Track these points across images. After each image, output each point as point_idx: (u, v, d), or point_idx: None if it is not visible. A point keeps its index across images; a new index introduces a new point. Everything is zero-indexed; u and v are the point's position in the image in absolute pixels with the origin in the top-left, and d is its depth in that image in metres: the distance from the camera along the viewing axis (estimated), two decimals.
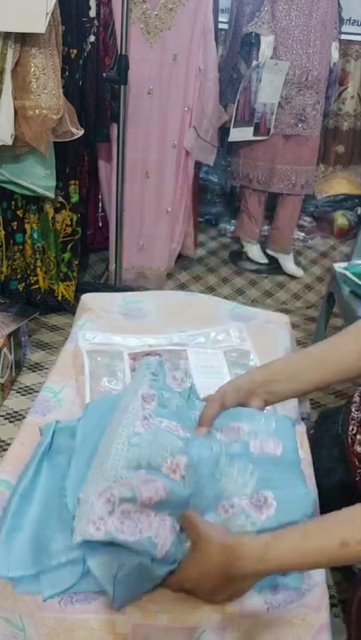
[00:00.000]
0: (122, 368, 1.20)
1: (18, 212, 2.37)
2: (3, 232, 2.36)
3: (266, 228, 3.41)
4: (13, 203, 2.35)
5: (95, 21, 2.27)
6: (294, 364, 1.00)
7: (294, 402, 1.18)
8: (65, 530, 0.81)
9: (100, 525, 0.77)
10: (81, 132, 2.11)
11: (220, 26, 2.94)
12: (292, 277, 3.22)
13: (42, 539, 0.81)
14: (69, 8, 2.10)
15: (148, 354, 1.23)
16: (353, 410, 1.28)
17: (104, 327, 1.37)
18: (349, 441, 1.24)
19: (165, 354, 1.23)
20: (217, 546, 0.75)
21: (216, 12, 2.68)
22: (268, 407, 1.13)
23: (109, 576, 0.76)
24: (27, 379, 2.24)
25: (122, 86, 2.38)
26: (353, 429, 1.24)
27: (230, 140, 2.93)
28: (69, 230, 2.49)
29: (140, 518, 0.78)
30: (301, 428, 1.12)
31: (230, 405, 0.96)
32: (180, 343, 1.27)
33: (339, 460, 1.25)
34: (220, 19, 2.87)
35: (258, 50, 2.72)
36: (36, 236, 2.44)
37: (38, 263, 2.50)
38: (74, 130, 2.08)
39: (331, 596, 1.48)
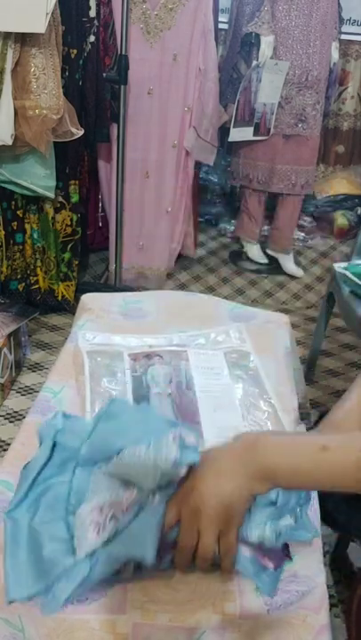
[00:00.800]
0: (122, 369, 1.20)
1: (18, 212, 2.37)
2: (3, 232, 2.36)
3: (266, 227, 3.41)
4: (13, 203, 2.35)
5: (95, 21, 2.27)
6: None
7: (294, 403, 1.19)
8: (66, 551, 0.80)
9: (99, 533, 0.77)
10: (81, 132, 2.11)
11: (220, 26, 2.94)
12: (292, 277, 3.22)
13: (44, 560, 0.80)
14: (69, 8, 2.10)
15: (148, 354, 1.23)
16: None
17: (104, 327, 1.37)
18: None
19: (166, 355, 1.23)
20: (206, 453, 0.75)
21: (216, 12, 2.68)
22: (268, 409, 1.13)
23: (121, 546, 0.76)
24: (27, 379, 2.24)
25: (122, 86, 2.38)
26: None
27: (230, 139, 2.93)
28: (69, 230, 2.49)
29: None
30: (301, 428, 1.12)
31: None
32: (181, 344, 1.27)
33: None
34: (220, 19, 2.87)
35: (258, 50, 2.72)
36: (36, 235, 2.44)
37: (38, 263, 2.50)
38: (74, 130, 2.08)
39: (331, 596, 1.48)
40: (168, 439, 0.73)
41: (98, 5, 2.27)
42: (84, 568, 0.77)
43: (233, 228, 3.52)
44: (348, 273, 1.93)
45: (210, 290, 3.02)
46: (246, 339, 1.30)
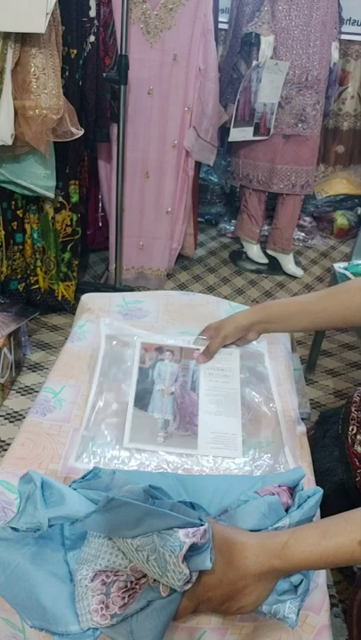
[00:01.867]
0: (131, 355, 1.22)
1: (18, 212, 2.37)
2: (3, 232, 2.36)
3: (266, 227, 3.41)
4: (13, 203, 2.34)
5: (95, 21, 2.26)
6: (290, 310, 1.16)
7: (294, 403, 1.19)
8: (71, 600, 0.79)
9: (104, 612, 0.75)
10: (81, 132, 2.11)
11: (220, 26, 2.94)
12: (292, 277, 3.22)
13: (51, 601, 0.78)
14: (69, 8, 2.10)
15: (160, 347, 1.24)
16: (353, 410, 1.28)
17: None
18: (349, 441, 1.24)
19: (177, 351, 1.23)
20: (235, 544, 0.74)
21: (216, 11, 2.67)
22: (273, 405, 1.14)
23: (126, 632, 0.74)
24: (27, 379, 2.24)
25: (122, 86, 2.38)
26: (353, 429, 1.24)
27: (230, 139, 2.93)
28: (69, 230, 2.49)
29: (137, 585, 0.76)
30: (301, 428, 1.12)
31: (230, 340, 1.20)
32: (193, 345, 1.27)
33: (339, 460, 1.25)
34: (220, 19, 2.87)
35: (258, 50, 2.72)
36: (36, 235, 2.44)
37: (38, 263, 2.50)
38: (74, 130, 2.08)
39: (331, 596, 1.48)
40: (177, 561, 0.70)
41: (98, 5, 2.27)
42: (90, 637, 0.76)
43: (233, 227, 3.52)
44: (348, 273, 1.93)
45: (210, 290, 3.02)
46: (263, 339, 1.30)
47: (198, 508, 0.81)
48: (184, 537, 0.71)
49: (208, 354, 1.20)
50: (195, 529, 0.73)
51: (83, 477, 0.88)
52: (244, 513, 0.81)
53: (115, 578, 0.77)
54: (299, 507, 0.82)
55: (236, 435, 1.07)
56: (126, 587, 0.76)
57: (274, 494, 0.83)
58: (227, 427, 1.09)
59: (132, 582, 0.76)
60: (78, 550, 0.83)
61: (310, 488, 0.87)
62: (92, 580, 0.77)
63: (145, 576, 0.76)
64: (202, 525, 0.74)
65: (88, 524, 0.78)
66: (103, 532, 0.79)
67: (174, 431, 1.07)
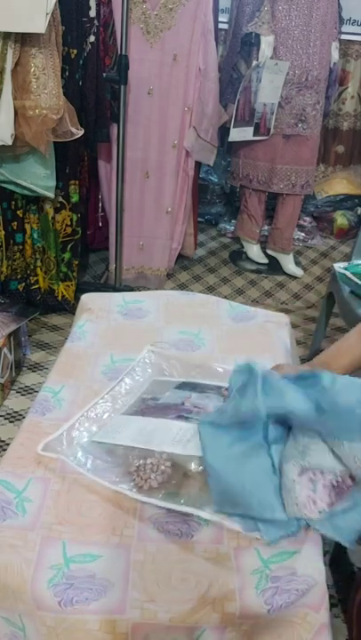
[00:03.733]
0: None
1: (18, 212, 2.37)
2: (3, 232, 2.36)
3: (266, 227, 3.40)
4: (13, 203, 2.35)
5: (95, 21, 2.26)
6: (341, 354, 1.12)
7: None
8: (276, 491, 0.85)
9: (312, 507, 0.81)
10: (81, 132, 2.11)
11: (220, 26, 2.94)
12: (292, 277, 3.22)
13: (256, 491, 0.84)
14: (69, 8, 2.10)
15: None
16: None
17: (104, 327, 1.37)
18: None
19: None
20: None
21: (216, 11, 2.67)
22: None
23: (331, 526, 0.80)
24: (27, 379, 2.24)
25: (122, 86, 2.38)
26: None
27: (230, 139, 2.93)
28: (69, 230, 2.49)
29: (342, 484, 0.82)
30: None
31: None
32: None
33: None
34: (220, 19, 2.87)
35: (258, 50, 2.72)
36: (36, 235, 2.44)
37: (38, 263, 2.50)
38: (74, 130, 2.08)
39: (331, 596, 1.48)
40: None
41: (98, 5, 2.27)
42: (294, 526, 0.83)
43: (233, 227, 3.52)
44: (348, 273, 1.93)
45: (210, 290, 3.02)
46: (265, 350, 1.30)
47: None
48: None
49: None
50: None
51: (301, 377, 0.90)
52: None
53: (321, 476, 0.82)
54: None
55: None
56: (333, 485, 0.81)
57: None
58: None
59: (337, 482, 0.81)
60: (281, 445, 0.87)
61: None
62: (299, 475, 0.82)
63: (352, 478, 0.80)
64: None
65: (307, 421, 0.83)
66: (323, 431, 0.84)
67: None
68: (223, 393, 1.08)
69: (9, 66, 1.91)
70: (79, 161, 2.52)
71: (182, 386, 1.15)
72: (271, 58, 2.72)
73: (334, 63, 2.92)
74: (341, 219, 3.69)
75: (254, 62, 2.73)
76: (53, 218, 2.42)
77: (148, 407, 1.09)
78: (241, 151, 3.06)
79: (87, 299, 1.50)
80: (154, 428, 0.99)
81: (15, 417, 2.04)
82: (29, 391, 2.17)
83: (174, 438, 0.96)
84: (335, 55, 2.90)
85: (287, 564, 0.84)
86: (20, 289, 2.51)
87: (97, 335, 1.35)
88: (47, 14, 1.79)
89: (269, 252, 3.30)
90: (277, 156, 2.95)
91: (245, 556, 0.86)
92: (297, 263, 3.31)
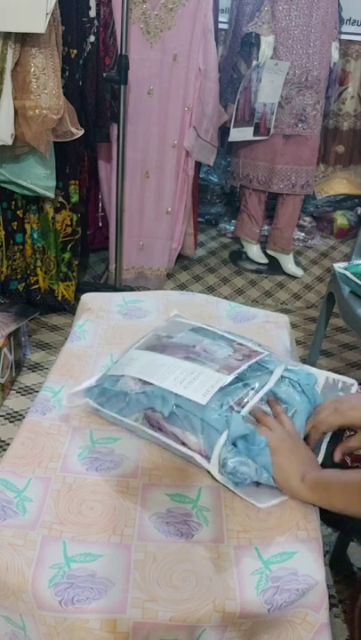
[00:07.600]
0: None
1: (18, 212, 2.37)
2: (3, 232, 2.36)
3: (266, 227, 3.41)
4: (13, 203, 2.35)
5: (95, 21, 2.27)
6: None
7: None
8: None
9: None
10: (81, 132, 2.11)
11: (220, 26, 2.94)
12: (292, 277, 3.22)
13: None
14: (69, 8, 2.10)
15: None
16: None
17: (104, 327, 1.37)
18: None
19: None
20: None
21: (216, 11, 2.68)
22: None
23: None
24: (27, 379, 2.24)
25: (122, 86, 2.38)
26: (347, 432, 1.24)
27: (230, 140, 2.93)
28: (69, 230, 2.49)
29: None
30: None
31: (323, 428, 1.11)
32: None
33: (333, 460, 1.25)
34: (220, 19, 2.87)
35: (258, 50, 2.72)
36: (36, 235, 2.44)
37: (38, 263, 2.50)
38: (74, 130, 2.08)
39: (331, 596, 1.48)
40: None
41: (98, 5, 2.27)
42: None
43: (233, 227, 3.52)
44: (348, 273, 1.93)
45: (210, 290, 3.02)
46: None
47: None
48: None
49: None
50: None
51: None
52: None
53: None
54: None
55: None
56: None
57: None
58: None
59: None
60: None
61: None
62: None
63: None
64: None
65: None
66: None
67: None
68: (234, 346, 1.15)
69: (9, 66, 1.91)
70: (79, 161, 2.52)
71: (198, 330, 1.22)
72: (271, 58, 2.72)
73: (334, 63, 2.92)
74: (341, 219, 3.69)
75: (254, 62, 2.74)
76: (53, 218, 2.42)
77: (162, 344, 1.16)
78: (241, 151, 3.06)
79: (87, 299, 1.50)
80: (161, 364, 1.07)
81: (15, 417, 2.04)
82: (29, 391, 2.17)
83: (176, 378, 1.03)
84: (335, 55, 2.90)
85: (287, 564, 0.85)
86: (20, 289, 2.51)
87: (97, 335, 1.35)
88: (47, 14, 1.79)
89: (269, 252, 3.30)
90: (277, 156, 2.95)
91: (246, 556, 0.86)
92: (297, 263, 3.31)
